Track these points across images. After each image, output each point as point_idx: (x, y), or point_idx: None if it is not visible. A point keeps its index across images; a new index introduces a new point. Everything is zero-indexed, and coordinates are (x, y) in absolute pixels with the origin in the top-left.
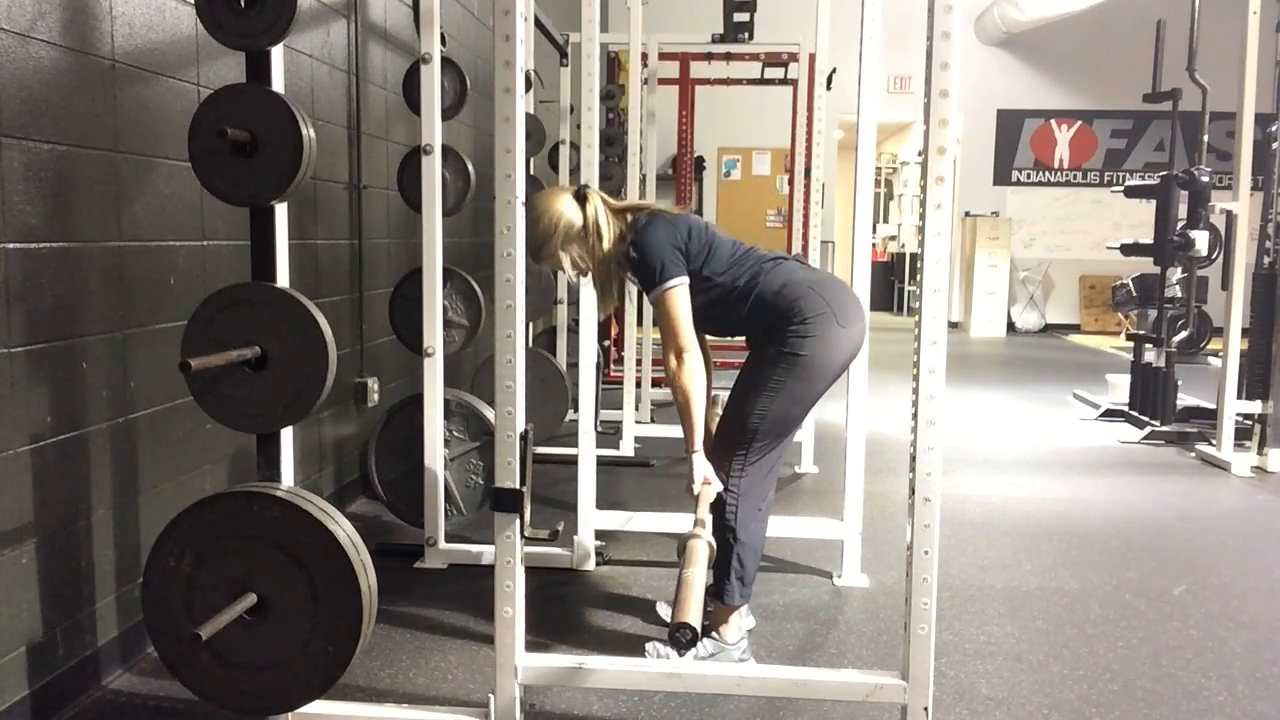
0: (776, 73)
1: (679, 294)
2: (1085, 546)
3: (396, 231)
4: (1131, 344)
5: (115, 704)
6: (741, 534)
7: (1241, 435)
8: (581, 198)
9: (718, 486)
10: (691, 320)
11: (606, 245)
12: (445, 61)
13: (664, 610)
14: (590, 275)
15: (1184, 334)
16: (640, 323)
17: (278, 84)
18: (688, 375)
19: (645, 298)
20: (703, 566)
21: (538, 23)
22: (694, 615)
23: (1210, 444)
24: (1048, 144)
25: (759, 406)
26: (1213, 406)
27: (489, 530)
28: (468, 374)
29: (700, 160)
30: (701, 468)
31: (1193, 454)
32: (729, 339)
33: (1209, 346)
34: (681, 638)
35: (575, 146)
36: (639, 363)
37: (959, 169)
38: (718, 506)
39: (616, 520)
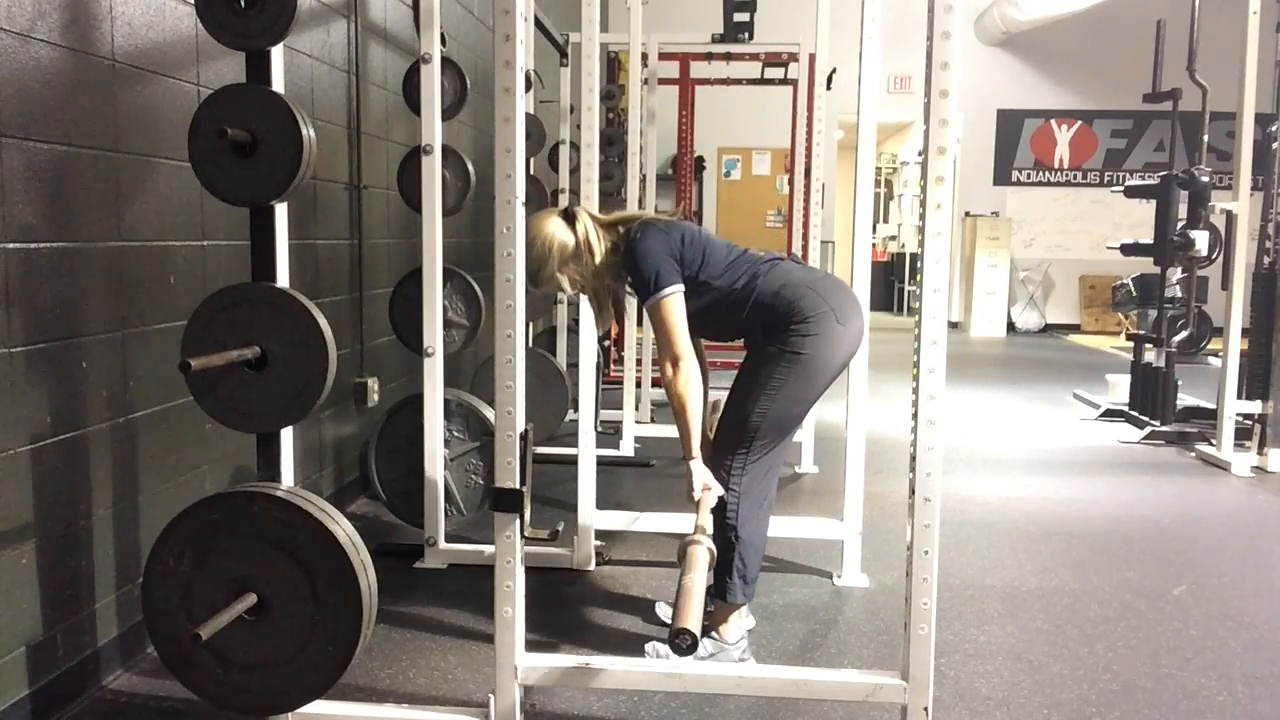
0: (776, 73)
1: (674, 302)
2: (1085, 546)
3: (396, 231)
4: (1131, 344)
5: (115, 704)
6: (742, 532)
7: (1241, 435)
8: (570, 216)
9: (718, 491)
10: (687, 328)
11: (599, 260)
12: (445, 61)
13: (664, 611)
14: (587, 292)
15: (1184, 334)
16: (640, 323)
17: (278, 84)
18: (683, 382)
19: (642, 305)
20: (703, 572)
21: (538, 23)
22: (694, 621)
23: (1210, 444)
24: (1048, 144)
25: (759, 405)
26: (1213, 406)
27: (489, 530)
28: (468, 374)
29: (700, 160)
30: (700, 474)
31: (1193, 454)
32: (728, 342)
33: (1209, 346)
34: (681, 644)
35: (575, 146)
36: (639, 363)
37: (959, 169)
38: (719, 506)
39: (617, 520)
